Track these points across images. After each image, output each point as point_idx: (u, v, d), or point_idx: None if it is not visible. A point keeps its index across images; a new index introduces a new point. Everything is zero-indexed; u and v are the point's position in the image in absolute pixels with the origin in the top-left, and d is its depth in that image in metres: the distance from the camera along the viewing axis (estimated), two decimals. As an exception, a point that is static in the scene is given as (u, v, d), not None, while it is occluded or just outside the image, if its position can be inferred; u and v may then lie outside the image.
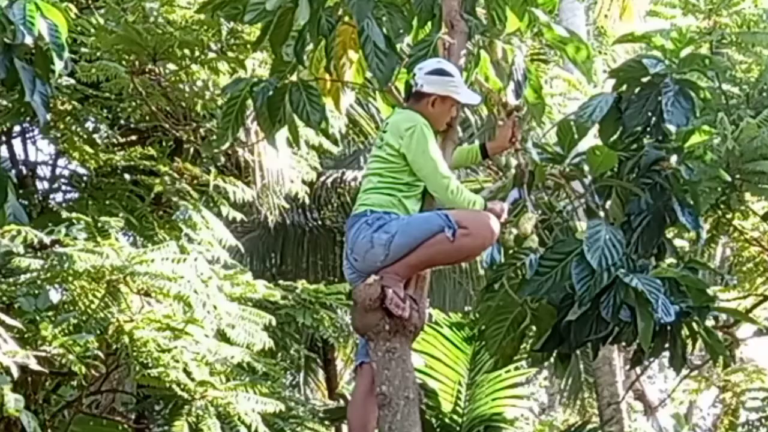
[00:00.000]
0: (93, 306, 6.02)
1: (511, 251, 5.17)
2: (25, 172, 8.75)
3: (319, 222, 11.98)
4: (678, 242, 6.25)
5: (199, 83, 7.78)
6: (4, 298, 5.94)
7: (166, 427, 7.40)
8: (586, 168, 5.21)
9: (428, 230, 4.60)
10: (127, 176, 8.29)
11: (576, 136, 5.15)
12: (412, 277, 4.78)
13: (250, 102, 5.85)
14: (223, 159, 8.62)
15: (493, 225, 4.67)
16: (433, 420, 8.75)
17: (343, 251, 4.91)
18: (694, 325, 5.09)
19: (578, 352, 9.44)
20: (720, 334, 8.98)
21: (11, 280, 5.95)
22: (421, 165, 4.70)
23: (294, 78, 5.66)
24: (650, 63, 5.28)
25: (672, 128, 5.10)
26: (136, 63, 7.48)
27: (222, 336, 6.55)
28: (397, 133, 4.74)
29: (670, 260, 5.37)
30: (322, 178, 11.17)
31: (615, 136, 5.37)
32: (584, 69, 5.61)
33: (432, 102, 4.85)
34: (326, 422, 8.94)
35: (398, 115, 4.89)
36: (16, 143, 8.86)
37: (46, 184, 8.92)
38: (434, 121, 4.85)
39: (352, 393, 5.25)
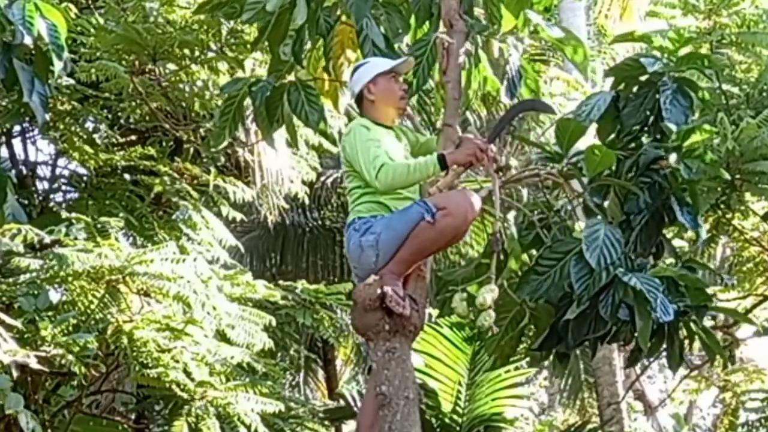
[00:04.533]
0: (92, 306, 6.02)
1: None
2: (25, 172, 8.75)
3: (319, 222, 11.98)
4: (677, 242, 6.26)
5: (199, 83, 7.78)
6: (4, 298, 5.95)
7: (165, 427, 7.41)
8: (584, 167, 5.20)
9: (410, 220, 4.62)
10: (127, 176, 8.29)
11: (574, 136, 5.14)
12: (411, 276, 4.79)
13: (248, 102, 5.86)
14: (223, 159, 8.62)
15: (472, 199, 4.68)
16: (433, 420, 8.75)
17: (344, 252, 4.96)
18: (692, 325, 5.08)
19: (578, 351, 9.45)
20: (720, 334, 9.02)
21: (11, 280, 5.95)
22: (355, 161, 4.74)
23: (292, 77, 5.66)
24: (648, 62, 5.28)
25: (672, 126, 5.10)
26: (136, 63, 7.49)
27: (222, 336, 6.55)
28: (343, 143, 4.85)
29: (669, 260, 5.37)
30: (322, 178, 11.16)
31: (613, 135, 5.37)
32: (581, 68, 5.63)
33: (368, 91, 4.90)
34: (326, 422, 8.94)
35: (345, 129, 4.99)
36: (16, 143, 8.87)
37: (46, 184, 8.92)
38: (384, 104, 4.91)
39: (364, 394, 5.26)
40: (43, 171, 9.02)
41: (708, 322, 5.30)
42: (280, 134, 6.22)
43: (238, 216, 8.58)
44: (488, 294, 4.78)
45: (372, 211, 4.75)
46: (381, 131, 4.83)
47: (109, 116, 8.20)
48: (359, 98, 4.96)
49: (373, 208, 4.76)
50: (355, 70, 5.01)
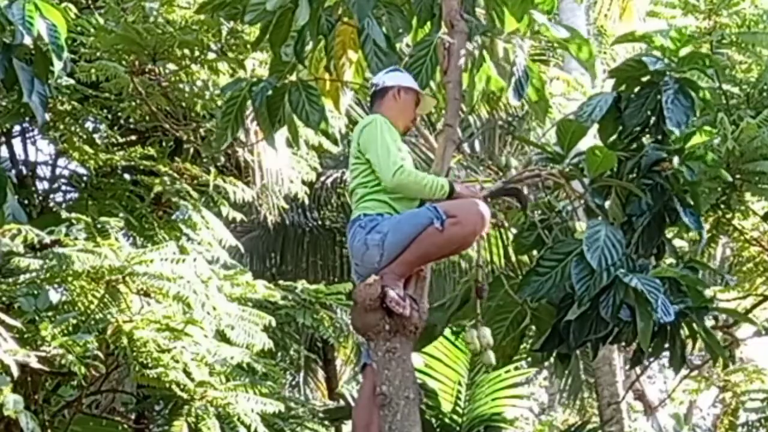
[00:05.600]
0: (92, 306, 6.01)
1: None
2: (25, 172, 8.74)
3: (319, 222, 11.97)
4: (678, 242, 6.25)
5: (199, 83, 7.77)
6: (4, 298, 5.94)
7: (165, 427, 7.41)
8: (585, 168, 5.20)
9: (418, 224, 4.63)
10: (127, 176, 8.28)
11: (575, 136, 5.14)
12: (412, 277, 4.79)
13: (249, 102, 5.85)
14: (223, 159, 8.61)
15: (483, 211, 4.69)
16: (433, 420, 8.75)
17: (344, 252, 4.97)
18: (694, 325, 5.08)
19: (578, 351, 9.45)
20: (720, 334, 9.01)
21: (11, 280, 5.94)
22: (372, 154, 4.75)
23: (293, 78, 5.66)
24: (651, 61, 5.27)
25: (674, 129, 5.09)
26: (136, 63, 7.47)
27: (222, 336, 6.55)
28: (358, 133, 4.85)
29: (669, 260, 5.36)
30: (322, 178, 11.16)
31: (614, 136, 5.36)
32: (587, 66, 5.63)
33: (397, 93, 4.96)
34: (326, 422, 8.93)
35: (360, 121, 4.98)
36: (16, 143, 8.86)
37: (46, 184, 8.91)
38: (399, 114, 4.96)
39: (358, 394, 5.28)
40: (43, 171, 9.02)
41: (708, 322, 5.29)
42: (280, 134, 6.21)
43: (238, 216, 8.58)
44: (482, 339, 5.03)
45: (378, 209, 4.75)
46: (397, 133, 4.86)
47: (109, 116, 8.19)
48: (382, 92, 4.99)
49: (378, 206, 4.76)
50: (393, 69, 5.08)
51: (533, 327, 5.28)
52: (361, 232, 4.72)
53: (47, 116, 7.24)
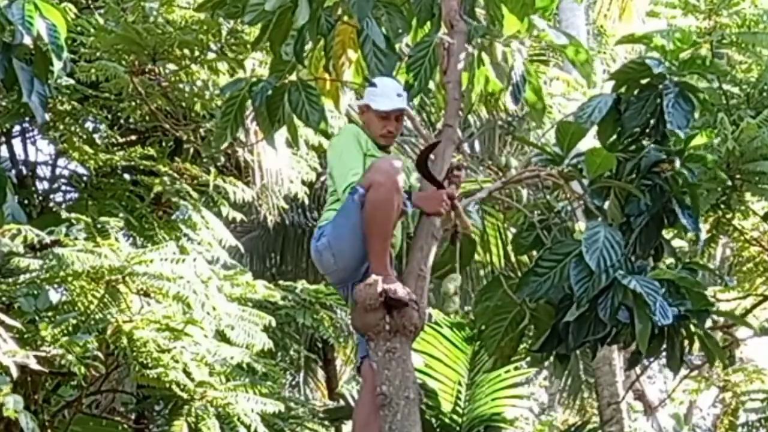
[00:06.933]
0: (92, 306, 6.02)
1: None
2: (25, 172, 8.74)
3: (319, 222, 11.96)
4: (677, 243, 6.25)
5: (199, 83, 7.77)
6: (4, 299, 5.95)
7: (165, 427, 7.41)
8: (584, 169, 5.20)
9: (350, 210, 4.69)
10: (127, 176, 8.29)
11: (575, 138, 5.14)
12: (411, 276, 4.81)
13: (249, 102, 5.85)
14: (223, 159, 8.61)
15: (388, 164, 4.69)
16: (433, 420, 8.74)
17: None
18: (692, 327, 5.08)
19: (578, 352, 9.45)
20: (720, 333, 9.01)
21: (11, 280, 5.95)
22: (332, 167, 4.88)
23: (293, 78, 5.66)
24: (653, 63, 5.27)
25: (679, 133, 5.09)
26: (136, 63, 7.47)
27: (222, 336, 6.56)
28: (330, 144, 5.00)
29: (668, 261, 5.37)
30: (322, 178, 11.14)
31: (614, 137, 5.36)
32: (584, 71, 5.64)
33: (360, 111, 5.06)
34: (326, 422, 8.94)
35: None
36: (16, 143, 8.86)
37: (46, 184, 8.91)
38: (369, 129, 4.98)
39: (358, 393, 5.29)
40: (43, 171, 9.02)
41: (708, 323, 5.30)
42: (280, 134, 6.21)
43: (238, 216, 8.58)
44: (451, 283, 5.03)
45: (328, 219, 4.85)
46: (366, 142, 4.90)
47: (109, 116, 8.19)
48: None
49: (330, 215, 4.86)
50: (370, 83, 5.08)
51: (532, 327, 5.28)
52: (313, 243, 4.85)
53: (47, 116, 7.25)
